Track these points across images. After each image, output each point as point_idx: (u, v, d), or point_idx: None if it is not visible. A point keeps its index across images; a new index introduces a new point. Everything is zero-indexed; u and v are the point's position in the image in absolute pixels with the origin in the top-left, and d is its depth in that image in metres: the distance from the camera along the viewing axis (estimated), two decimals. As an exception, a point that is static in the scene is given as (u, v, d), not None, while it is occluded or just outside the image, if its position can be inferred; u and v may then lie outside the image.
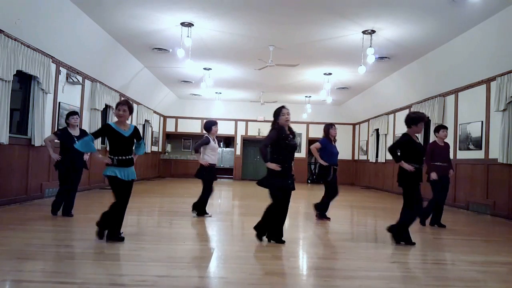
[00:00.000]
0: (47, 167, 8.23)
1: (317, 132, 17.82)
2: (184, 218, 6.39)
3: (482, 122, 8.59)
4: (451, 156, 9.69)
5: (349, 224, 6.94)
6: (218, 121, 7.20)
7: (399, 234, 4.83)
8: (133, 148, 4.60)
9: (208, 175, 6.41)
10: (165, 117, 18.35)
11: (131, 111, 4.52)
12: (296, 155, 7.07)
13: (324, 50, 9.62)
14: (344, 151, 18.69)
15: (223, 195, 11.33)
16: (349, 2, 6.86)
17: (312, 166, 19.82)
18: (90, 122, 10.11)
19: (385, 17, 7.40)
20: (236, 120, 18.43)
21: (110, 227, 4.42)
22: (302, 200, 9.85)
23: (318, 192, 11.88)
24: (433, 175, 6.24)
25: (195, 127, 18.36)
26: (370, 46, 8.14)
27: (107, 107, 11.06)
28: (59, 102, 8.65)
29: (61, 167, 5.97)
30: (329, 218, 6.61)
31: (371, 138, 15.72)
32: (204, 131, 6.75)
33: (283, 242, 4.65)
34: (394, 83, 12.18)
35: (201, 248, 4.53)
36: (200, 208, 6.48)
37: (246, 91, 15.52)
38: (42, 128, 7.74)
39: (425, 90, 10.98)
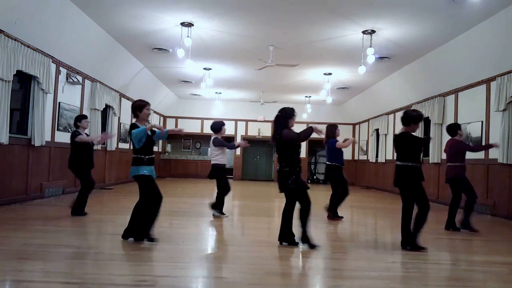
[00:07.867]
0: (47, 167, 8.23)
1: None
2: (184, 218, 6.39)
3: (482, 122, 8.59)
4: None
5: (349, 224, 6.94)
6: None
7: (414, 241, 4.56)
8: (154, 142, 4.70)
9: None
10: (165, 117, 18.34)
11: None
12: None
13: (324, 50, 9.61)
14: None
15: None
16: (349, 2, 6.86)
17: (312, 166, 19.82)
18: (90, 122, 10.07)
19: (385, 17, 7.40)
20: (236, 120, 18.42)
21: (142, 228, 4.42)
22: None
23: (318, 192, 11.87)
24: None
25: (195, 127, 18.36)
26: (370, 46, 8.14)
27: (107, 107, 11.04)
28: (59, 102, 8.66)
29: (80, 167, 6.23)
30: (341, 218, 6.92)
31: (371, 138, 15.71)
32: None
33: (296, 243, 4.58)
34: (394, 83, 12.18)
35: (201, 248, 4.53)
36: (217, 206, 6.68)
37: (246, 91, 15.51)
38: (42, 128, 7.74)
39: (425, 90, 10.98)
